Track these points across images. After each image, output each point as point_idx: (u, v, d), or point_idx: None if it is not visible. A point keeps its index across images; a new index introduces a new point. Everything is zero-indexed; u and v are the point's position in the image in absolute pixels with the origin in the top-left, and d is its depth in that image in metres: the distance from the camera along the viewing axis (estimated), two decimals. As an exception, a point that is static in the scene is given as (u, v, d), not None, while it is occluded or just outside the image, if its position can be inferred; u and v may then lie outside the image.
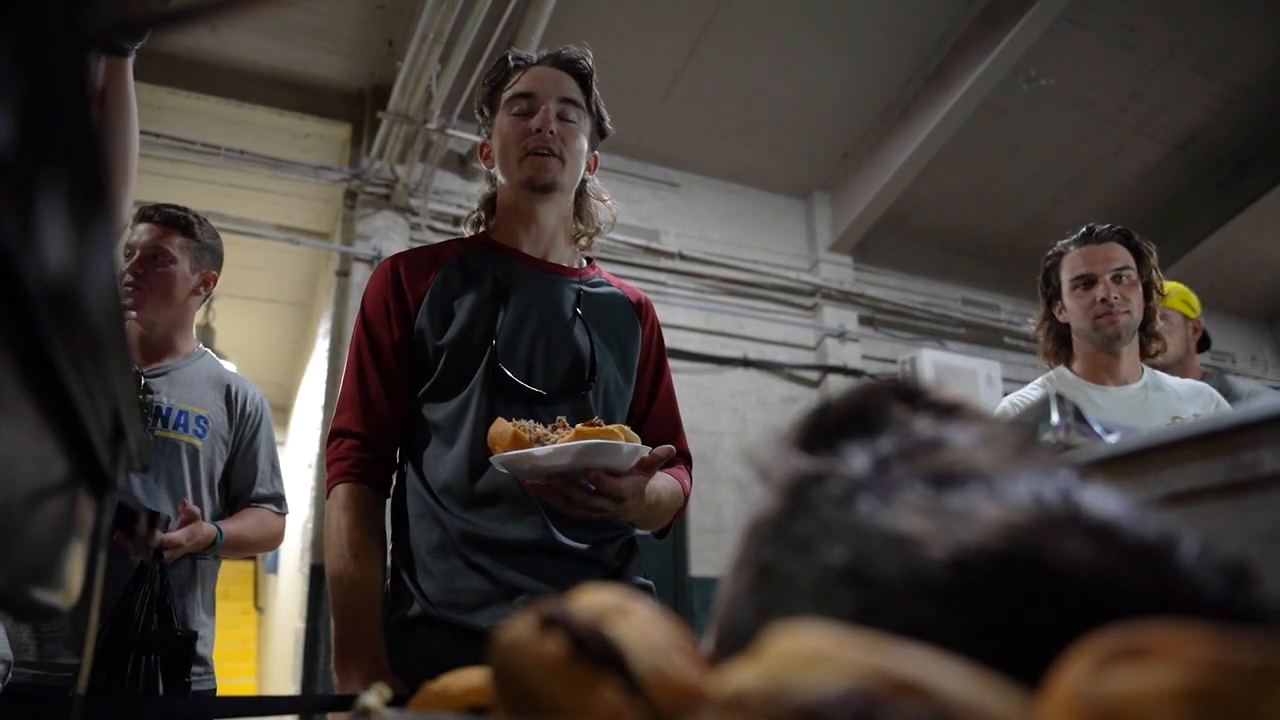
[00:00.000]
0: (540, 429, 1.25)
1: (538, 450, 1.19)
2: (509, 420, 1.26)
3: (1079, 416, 0.70)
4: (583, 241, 1.67)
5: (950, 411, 0.43)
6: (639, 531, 1.57)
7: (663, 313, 5.73)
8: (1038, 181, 6.55)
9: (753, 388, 5.89)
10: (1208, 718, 0.21)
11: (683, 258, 5.92)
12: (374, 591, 1.40)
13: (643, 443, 1.33)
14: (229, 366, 2.56)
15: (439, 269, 1.53)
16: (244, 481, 2.30)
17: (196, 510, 2.04)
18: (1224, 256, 7.00)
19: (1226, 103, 6.11)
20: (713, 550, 5.37)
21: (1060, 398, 0.68)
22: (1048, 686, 0.25)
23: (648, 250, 5.82)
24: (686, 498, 1.55)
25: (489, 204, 1.65)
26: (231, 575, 12.20)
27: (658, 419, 1.62)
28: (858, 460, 0.39)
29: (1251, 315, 8.20)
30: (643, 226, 5.90)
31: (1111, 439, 0.66)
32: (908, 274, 6.83)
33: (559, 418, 1.30)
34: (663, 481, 1.46)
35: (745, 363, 5.88)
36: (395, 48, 4.96)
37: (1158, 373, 2.20)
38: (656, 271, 5.83)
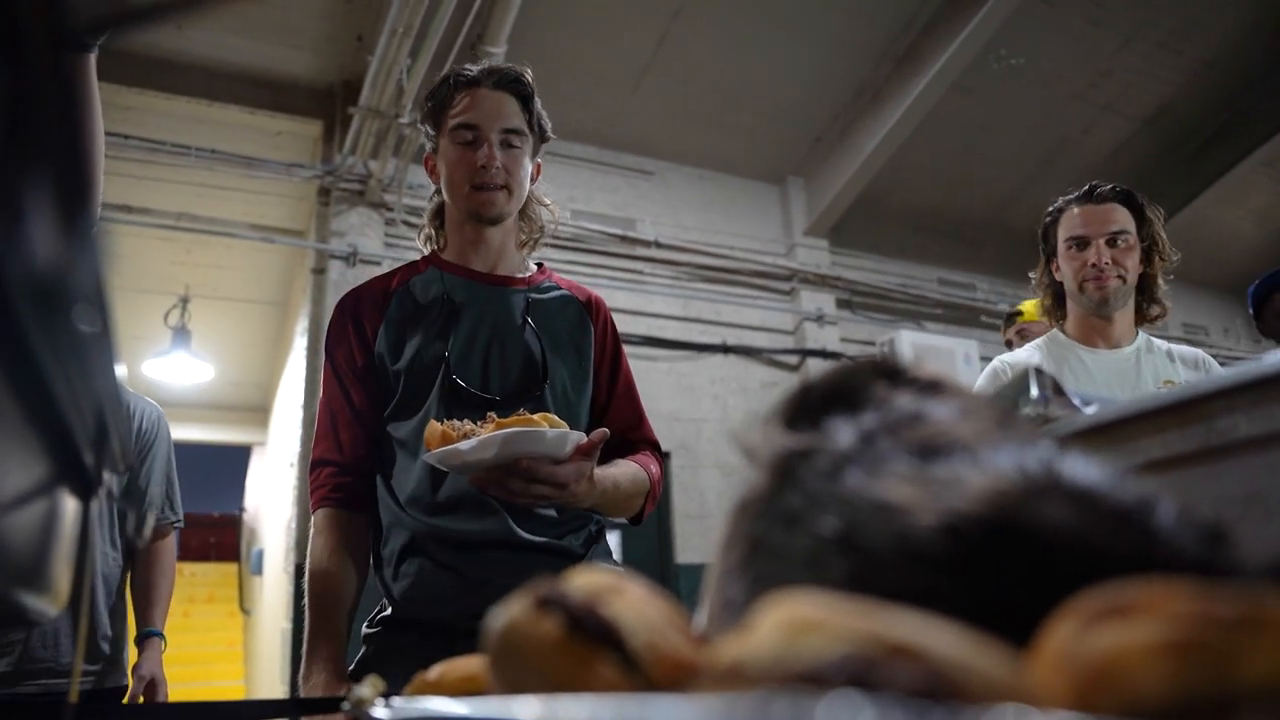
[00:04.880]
0: (469, 425, 1.30)
1: (463, 444, 1.24)
2: (440, 422, 1.31)
3: (1058, 390, 0.71)
4: (528, 246, 1.73)
5: (931, 387, 0.44)
6: (615, 521, 1.63)
7: (640, 301, 5.73)
8: (1010, 160, 6.59)
9: (733, 373, 5.91)
10: (1192, 668, 0.22)
11: (659, 246, 5.92)
12: (342, 605, 1.48)
13: (608, 434, 1.38)
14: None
15: (392, 296, 1.61)
16: (142, 511, 2.30)
17: (152, 678, 2.24)
18: (1195, 230, 7.07)
19: (1193, 78, 6.17)
20: (698, 537, 5.39)
21: (1039, 371, 0.69)
22: (1036, 646, 0.26)
23: (624, 239, 5.81)
24: (656, 484, 1.60)
25: (438, 215, 1.71)
26: (216, 578, 12.13)
27: (619, 410, 1.67)
28: (843, 435, 0.39)
29: (1223, 288, 8.27)
30: (618, 215, 5.89)
31: (1090, 410, 0.67)
32: (883, 256, 6.87)
33: (489, 414, 1.34)
34: (621, 468, 1.52)
35: (724, 349, 5.89)
36: (364, 42, 4.92)
37: (1153, 338, 2.13)
38: (633, 260, 5.83)
